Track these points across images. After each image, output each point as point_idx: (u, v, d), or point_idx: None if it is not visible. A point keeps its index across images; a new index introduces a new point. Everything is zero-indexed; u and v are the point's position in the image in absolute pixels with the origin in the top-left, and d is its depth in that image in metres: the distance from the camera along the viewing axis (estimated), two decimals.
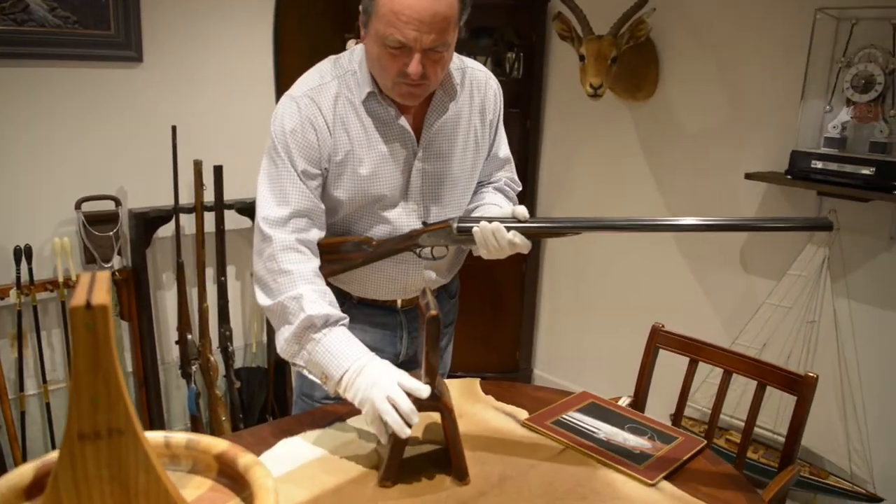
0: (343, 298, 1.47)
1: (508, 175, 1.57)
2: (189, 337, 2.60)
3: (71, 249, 2.37)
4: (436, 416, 1.22)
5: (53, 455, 0.84)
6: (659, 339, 1.81)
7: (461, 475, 1.17)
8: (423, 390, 1.13)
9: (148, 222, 2.50)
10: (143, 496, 0.73)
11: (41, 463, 0.83)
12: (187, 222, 2.58)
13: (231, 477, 0.89)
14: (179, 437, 0.91)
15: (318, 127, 1.29)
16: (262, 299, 1.30)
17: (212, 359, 2.61)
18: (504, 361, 3.37)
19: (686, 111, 2.72)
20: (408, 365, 1.59)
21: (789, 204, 2.45)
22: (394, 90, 1.27)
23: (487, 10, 3.20)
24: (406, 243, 1.37)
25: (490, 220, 1.28)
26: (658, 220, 1.27)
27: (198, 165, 2.44)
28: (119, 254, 2.48)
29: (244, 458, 0.87)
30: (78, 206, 2.39)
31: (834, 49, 2.24)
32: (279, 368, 2.91)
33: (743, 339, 2.47)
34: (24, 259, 2.27)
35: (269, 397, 2.91)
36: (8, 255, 2.27)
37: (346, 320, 1.28)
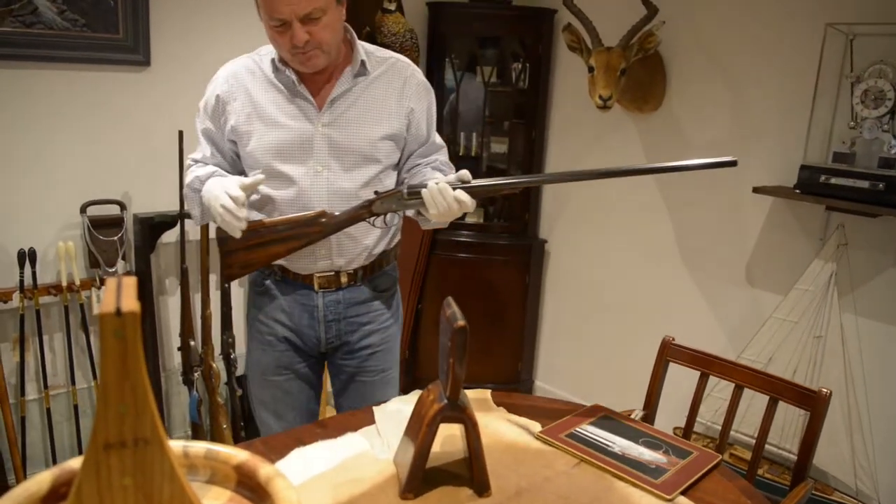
0: (267, 274, 1.63)
1: (444, 159, 1.67)
2: (192, 343, 2.58)
3: (75, 253, 2.35)
4: (455, 428, 1.20)
5: (71, 463, 0.82)
6: (669, 353, 1.80)
7: (482, 488, 1.16)
8: (238, 194, 1.40)
9: (153, 227, 2.48)
10: None
11: (59, 471, 0.81)
12: (192, 228, 2.57)
13: (251, 488, 0.87)
14: (198, 446, 0.90)
15: (222, 93, 1.55)
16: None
17: (214, 366, 2.59)
18: (505, 372, 3.35)
19: (693, 124, 2.72)
20: (335, 354, 1.69)
21: (795, 218, 2.45)
22: (293, 62, 1.48)
23: (493, 21, 3.20)
24: (360, 212, 1.49)
25: (437, 182, 1.41)
26: (585, 171, 1.59)
27: None
28: (123, 258, 2.46)
29: (265, 469, 0.85)
30: (83, 209, 2.37)
31: (843, 64, 2.25)
32: None
33: (748, 353, 2.46)
34: (27, 262, 2.25)
35: None
36: (12, 259, 2.25)
37: (217, 171, 1.55)
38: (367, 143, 1.54)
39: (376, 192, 1.50)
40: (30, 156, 2.29)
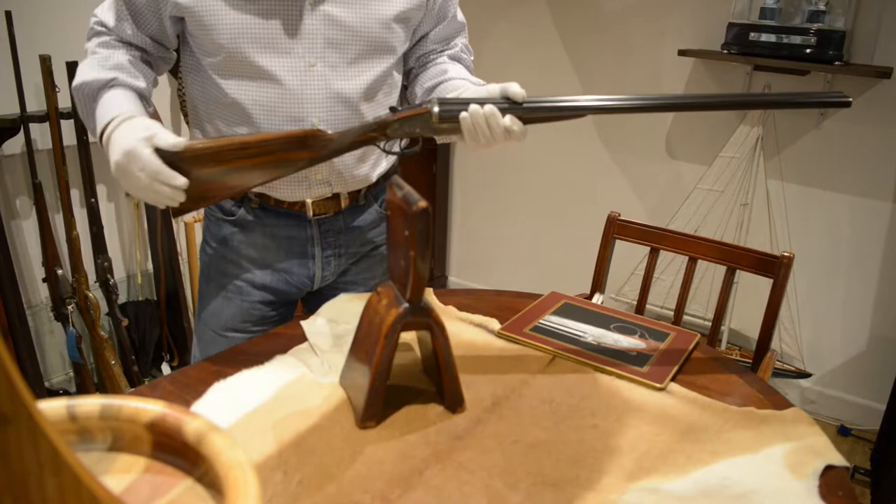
0: (241, 200, 1.24)
1: (464, 41, 1.31)
2: (59, 272, 2.20)
3: None
4: (405, 336, 1.00)
5: None
6: (616, 230, 1.66)
7: (456, 403, 0.97)
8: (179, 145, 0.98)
9: None
10: None
11: None
12: (40, 134, 2.12)
13: (174, 451, 0.63)
14: (89, 403, 0.63)
15: None
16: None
17: (90, 295, 2.24)
18: None
19: None
20: (330, 290, 1.33)
21: (716, 82, 2.34)
22: None
23: None
24: (369, 135, 1.08)
25: (481, 102, 1.02)
26: (679, 98, 1.08)
27: (46, 62, 1.98)
28: None
29: (193, 424, 0.61)
30: None
31: None
32: (172, 298, 2.56)
33: (673, 226, 2.38)
34: None
35: (163, 333, 2.57)
36: None
37: (120, 77, 1.09)
38: (379, 24, 1.14)
39: (393, 109, 1.08)
40: None
